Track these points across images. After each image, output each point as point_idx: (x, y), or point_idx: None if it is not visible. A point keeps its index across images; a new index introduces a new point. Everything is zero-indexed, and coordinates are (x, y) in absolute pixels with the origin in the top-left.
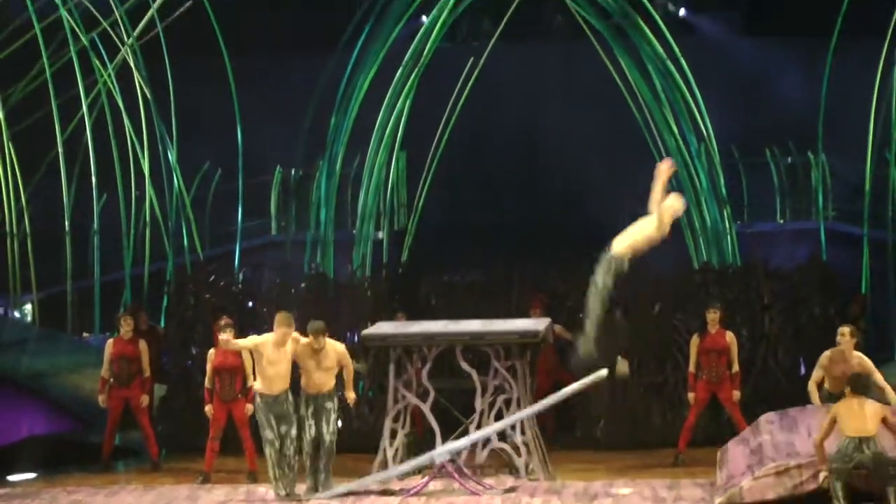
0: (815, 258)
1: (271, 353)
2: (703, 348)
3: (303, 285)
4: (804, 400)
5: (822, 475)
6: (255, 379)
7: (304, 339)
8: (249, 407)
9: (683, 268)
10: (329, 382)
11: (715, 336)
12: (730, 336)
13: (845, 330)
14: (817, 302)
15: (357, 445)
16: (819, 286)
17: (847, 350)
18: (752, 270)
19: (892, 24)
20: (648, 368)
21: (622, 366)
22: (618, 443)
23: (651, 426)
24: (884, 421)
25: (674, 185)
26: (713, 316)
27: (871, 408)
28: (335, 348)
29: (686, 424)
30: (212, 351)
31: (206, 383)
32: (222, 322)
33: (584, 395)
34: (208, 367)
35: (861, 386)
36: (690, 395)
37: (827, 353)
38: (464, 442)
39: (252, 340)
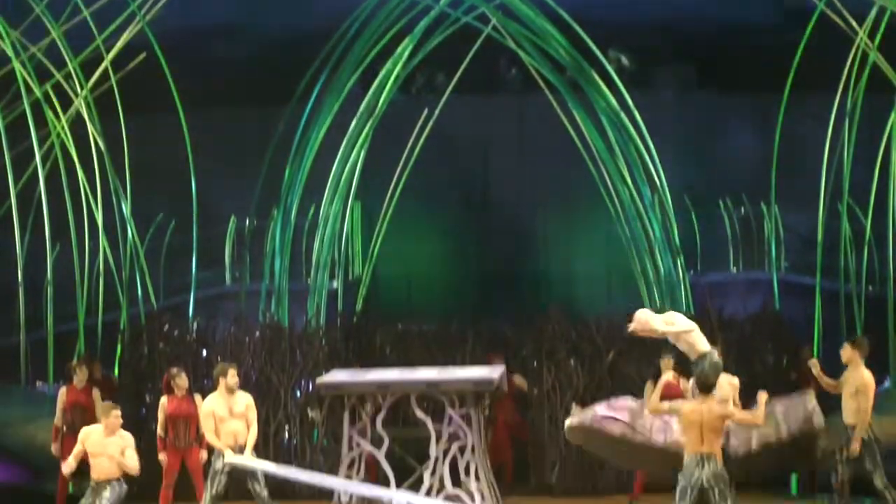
0: (766, 307)
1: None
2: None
3: (257, 335)
4: None
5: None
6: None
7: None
8: (204, 454)
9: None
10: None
11: (670, 383)
12: (684, 384)
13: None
14: (769, 350)
15: (314, 492)
16: (771, 335)
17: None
18: (705, 320)
19: (843, 78)
20: None
21: (577, 413)
22: (572, 489)
23: (605, 472)
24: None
25: (627, 236)
26: (667, 363)
27: (711, 419)
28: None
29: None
30: (164, 399)
31: (160, 431)
32: (174, 370)
33: (538, 441)
34: (160, 415)
35: (707, 386)
36: None
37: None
38: (425, 502)
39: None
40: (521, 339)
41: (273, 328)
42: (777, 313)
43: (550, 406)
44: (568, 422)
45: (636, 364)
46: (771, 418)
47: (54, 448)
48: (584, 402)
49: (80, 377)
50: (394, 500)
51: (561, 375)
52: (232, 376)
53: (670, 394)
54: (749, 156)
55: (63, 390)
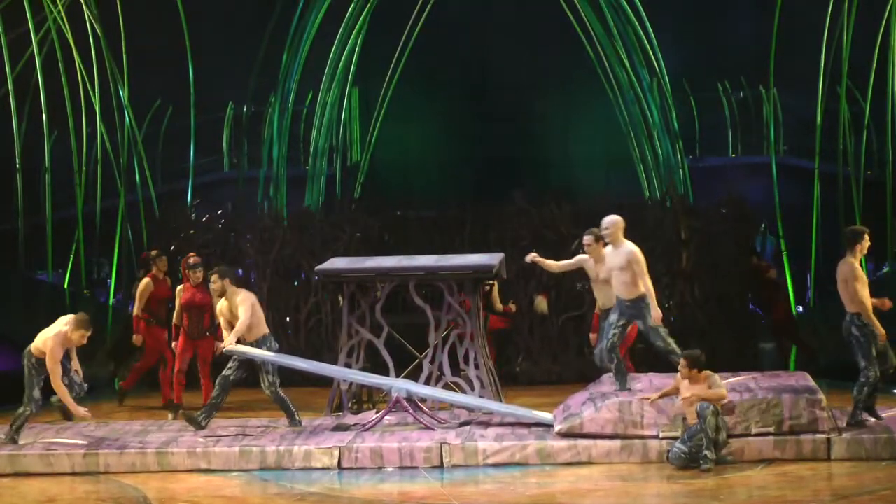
0: (731, 194)
1: None
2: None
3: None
4: (719, 334)
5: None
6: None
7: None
8: (219, 345)
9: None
10: None
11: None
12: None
13: None
14: (734, 238)
15: (316, 378)
16: (737, 222)
17: None
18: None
19: None
20: (567, 304)
21: (541, 303)
22: (537, 379)
23: (569, 362)
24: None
25: (626, 120)
26: (587, 239)
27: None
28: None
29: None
30: (180, 287)
31: (174, 319)
32: (191, 260)
33: (502, 332)
34: (176, 302)
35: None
36: (592, 336)
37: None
38: (424, 391)
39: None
40: (485, 226)
41: (304, 214)
42: (741, 199)
43: (514, 295)
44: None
45: None
46: None
47: (137, 339)
48: (547, 292)
49: (160, 267)
50: (392, 388)
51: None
52: (213, 282)
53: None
54: (748, 38)
55: (147, 281)
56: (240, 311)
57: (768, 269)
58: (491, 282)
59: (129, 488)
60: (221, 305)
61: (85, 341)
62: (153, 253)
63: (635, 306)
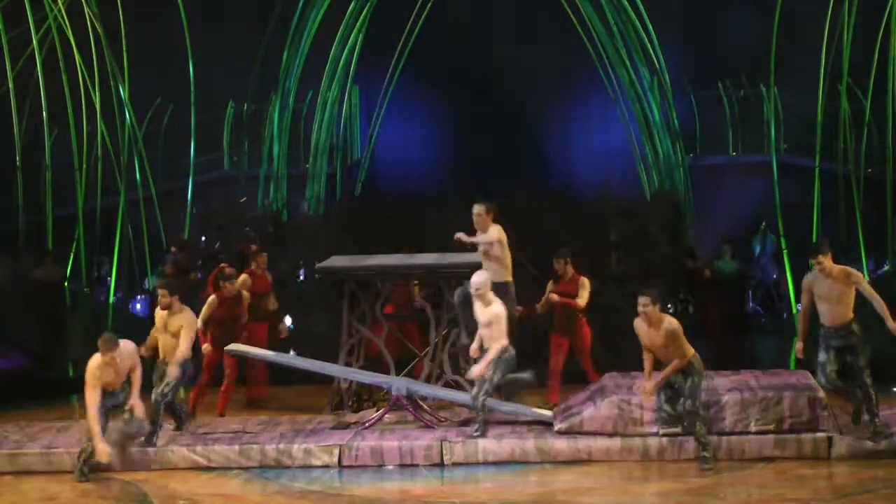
0: (661, 191)
1: None
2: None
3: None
4: None
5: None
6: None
7: None
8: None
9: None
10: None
11: (568, 283)
12: (583, 281)
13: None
14: (666, 239)
15: (316, 378)
16: (668, 222)
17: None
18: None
19: None
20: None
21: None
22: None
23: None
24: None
25: (626, 118)
26: (559, 265)
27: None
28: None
29: (551, 369)
30: (213, 298)
31: (199, 324)
32: (227, 271)
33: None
34: (203, 312)
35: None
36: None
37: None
38: (424, 389)
39: None
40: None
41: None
42: (675, 197)
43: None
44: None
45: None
46: None
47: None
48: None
49: (259, 263)
50: (393, 386)
51: None
52: (162, 296)
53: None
54: (749, 36)
55: (245, 277)
56: (184, 334)
57: (703, 271)
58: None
59: (129, 486)
60: (159, 319)
61: (113, 363)
62: (253, 248)
63: (499, 290)
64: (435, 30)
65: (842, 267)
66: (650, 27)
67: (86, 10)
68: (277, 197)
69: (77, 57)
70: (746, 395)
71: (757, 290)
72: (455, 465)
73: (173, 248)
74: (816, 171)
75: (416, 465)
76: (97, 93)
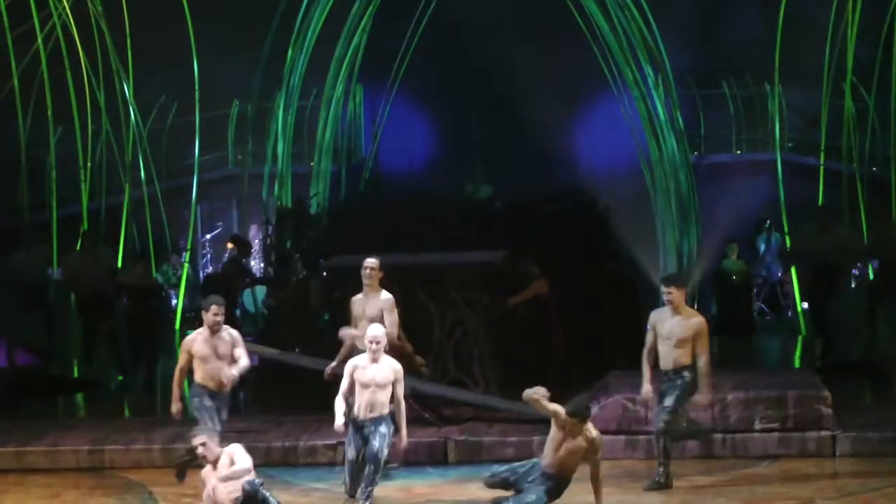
0: (576, 191)
1: None
2: None
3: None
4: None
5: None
6: None
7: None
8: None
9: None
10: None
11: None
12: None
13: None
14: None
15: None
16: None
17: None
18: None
19: None
20: None
21: None
22: None
23: None
24: None
25: (630, 117)
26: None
27: None
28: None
29: None
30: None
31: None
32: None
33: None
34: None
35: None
36: None
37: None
38: (428, 387)
39: None
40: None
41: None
42: (591, 199)
43: None
44: None
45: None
46: None
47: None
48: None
49: None
50: None
51: None
52: (214, 313)
53: None
54: (753, 35)
55: None
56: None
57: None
58: None
59: (134, 484)
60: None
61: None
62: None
63: None
64: (439, 29)
65: (692, 311)
66: (654, 26)
67: (90, 7)
68: (282, 194)
69: (81, 55)
70: (751, 393)
71: (762, 288)
72: (459, 463)
73: (230, 245)
74: (821, 169)
75: (421, 464)
76: (102, 91)
